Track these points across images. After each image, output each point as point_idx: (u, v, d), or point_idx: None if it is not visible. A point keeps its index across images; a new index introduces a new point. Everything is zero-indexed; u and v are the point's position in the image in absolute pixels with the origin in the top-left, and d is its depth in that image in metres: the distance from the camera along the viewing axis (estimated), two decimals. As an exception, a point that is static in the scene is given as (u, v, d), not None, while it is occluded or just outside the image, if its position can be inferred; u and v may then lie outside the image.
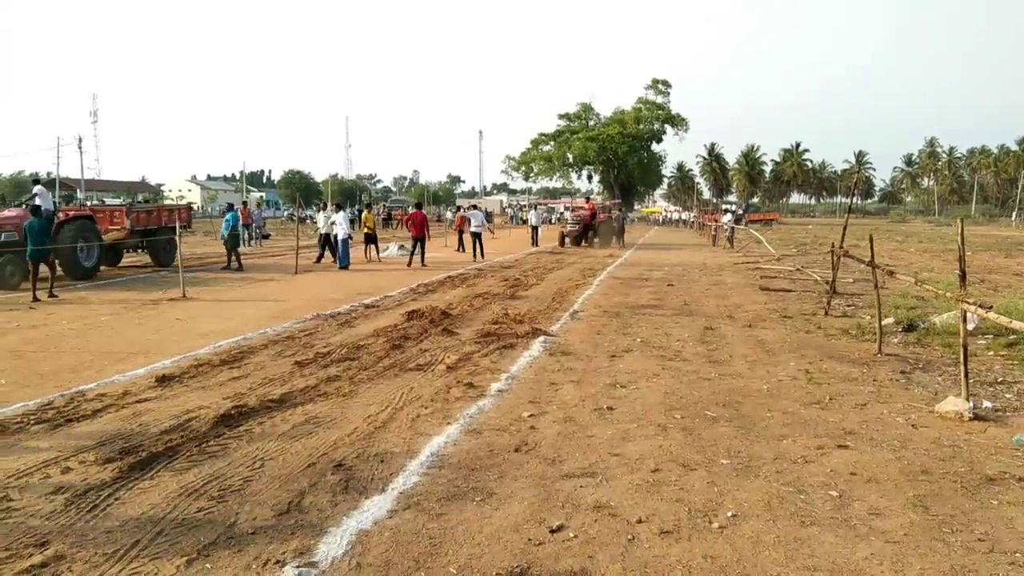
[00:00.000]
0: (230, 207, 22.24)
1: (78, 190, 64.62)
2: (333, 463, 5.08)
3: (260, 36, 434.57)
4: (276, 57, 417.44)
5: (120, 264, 20.85)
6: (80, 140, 68.15)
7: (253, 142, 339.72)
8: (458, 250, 26.72)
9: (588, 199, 45.05)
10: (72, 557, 3.75)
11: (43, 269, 14.42)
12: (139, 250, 20.89)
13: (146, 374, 7.59)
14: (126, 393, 6.83)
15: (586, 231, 32.12)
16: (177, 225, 17.25)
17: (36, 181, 19.03)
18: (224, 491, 4.58)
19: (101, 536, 3.97)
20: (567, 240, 31.86)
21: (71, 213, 18.34)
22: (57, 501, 4.40)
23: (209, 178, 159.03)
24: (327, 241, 22.27)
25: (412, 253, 21.36)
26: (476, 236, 24.72)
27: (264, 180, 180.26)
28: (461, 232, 27.90)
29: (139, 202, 28.56)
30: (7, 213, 17.74)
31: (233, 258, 20.15)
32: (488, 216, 62.39)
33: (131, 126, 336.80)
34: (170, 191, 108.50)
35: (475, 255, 23.95)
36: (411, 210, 24.86)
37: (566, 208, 75.11)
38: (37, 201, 16.69)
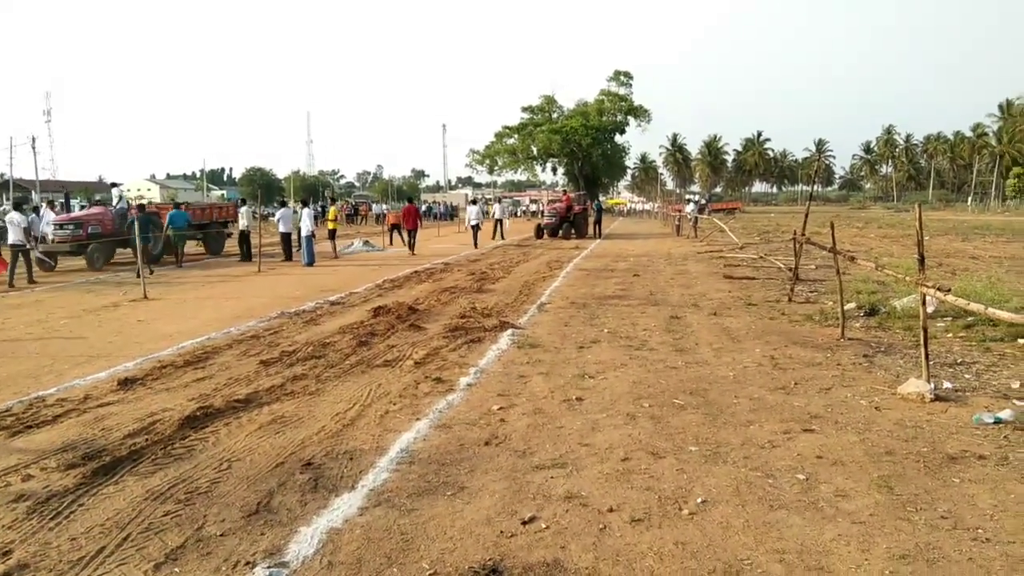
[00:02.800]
0: (176, 206, 22.21)
1: (32, 191, 63.11)
2: (302, 462, 5.03)
3: (219, 31, 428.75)
4: (236, 52, 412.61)
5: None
6: (34, 140, 66.49)
7: (213, 139, 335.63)
8: (390, 243, 28.21)
9: (565, 192, 45.49)
10: (36, 566, 3.67)
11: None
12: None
13: (108, 377, 7.44)
14: (87, 397, 6.69)
15: (562, 223, 32.40)
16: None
17: (114, 185, 24.40)
18: (191, 494, 4.52)
19: (65, 543, 3.89)
20: (544, 232, 32.26)
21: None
22: (19, 509, 4.30)
23: (168, 177, 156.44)
24: (246, 239, 22.17)
25: (411, 243, 24.49)
26: (475, 228, 27.78)
27: (225, 178, 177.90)
28: (394, 227, 29.48)
29: (97, 202, 28.98)
30: (94, 210, 22.17)
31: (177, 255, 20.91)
32: (454, 210, 62.42)
33: (87, 125, 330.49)
34: (128, 190, 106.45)
35: (475, 244, 26.78)
36: (404, 204, 28.11)
37: (532, 201, 75.34)
38: (115, 201, 21.71)
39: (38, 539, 3.95)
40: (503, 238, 31.19)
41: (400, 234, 28.62)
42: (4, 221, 17.81)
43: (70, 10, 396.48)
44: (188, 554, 3.77)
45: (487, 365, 7.84)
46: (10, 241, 16.89)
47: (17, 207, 18.49)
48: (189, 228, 22.10)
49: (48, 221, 20.78)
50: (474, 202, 32.13)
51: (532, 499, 4.40)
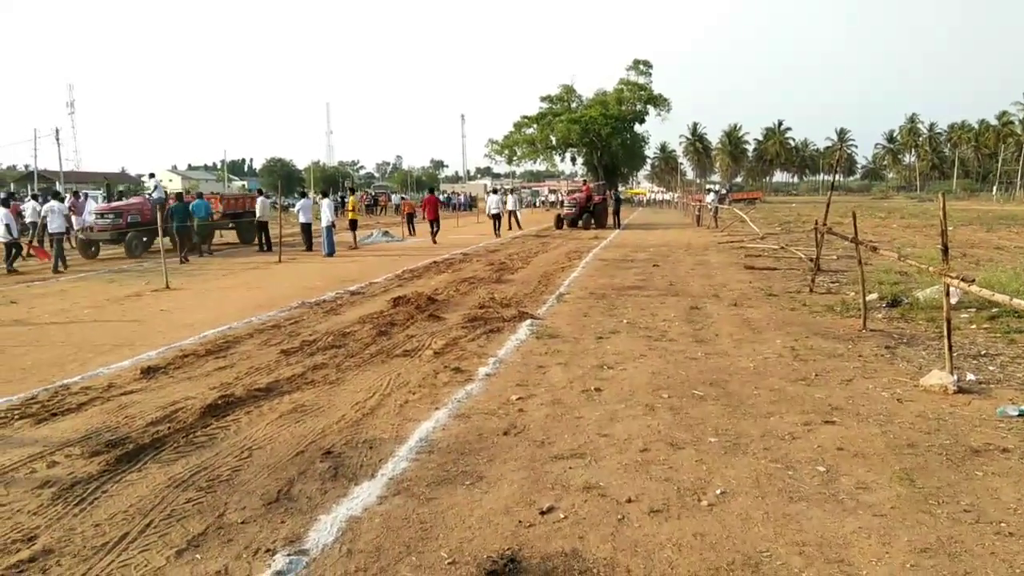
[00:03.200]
0: (199, 196, 22.87)
1: (57, 182, 63.80)
2: (322, 451, 5.07)
3: (240, 23, 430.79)
4: (256, 44, 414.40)
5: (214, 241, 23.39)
6: (57, 132, 67.05)
7: (234, 131, 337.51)
8: (410, 233, 28.57)
9: (585, 182, 45.50)
10: (61, 551, 3.73)
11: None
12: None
13: (131, 366, 7.53)
14: (111, 386, 6.77)
15: (582, 213, 32.51)
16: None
17: (151, 175, 27.24)
18: (212, 481, 4.56)
19: (89, 529, 3.95)
20: (564, 223, 32.41)
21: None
22: (44, 496, 4.37)
23: (190, 168, 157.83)
24: (264, 228, 22.57)
25: (433, 232, 25.00)
26: (495, 217, 28.62)
27: (246, 169, 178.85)
28: (410, 216, 29.97)
29: (121, 193, 29.63)
30: (133, 201, 23.59)
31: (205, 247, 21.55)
32: (473, 200, 62.42)
33: (110, 116, 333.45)
34: (162, 180, 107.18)
35: (496, 232, 27.71)
36: (426, 195, 28.74)
37: (551, 191, 75.21)
38: (152, 191, 23.65)
39: (63, 525, 4.01)
40: (520, 228, 31.21)
41: (412, 224, 28.86)
42: (47, 211, 18.67)
43: (93, 3, 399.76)
44: (209, 541, 3.82)
45: (506, 355, 7.85)
46: (51, 229, 17.85)
47: (56, 196, 19.72)
48: (224, 217, 23.44)
49: (91, 211, 21.85)
50: (495, 191, 32.53)
51: (551, 489, 4.41)
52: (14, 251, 17.24)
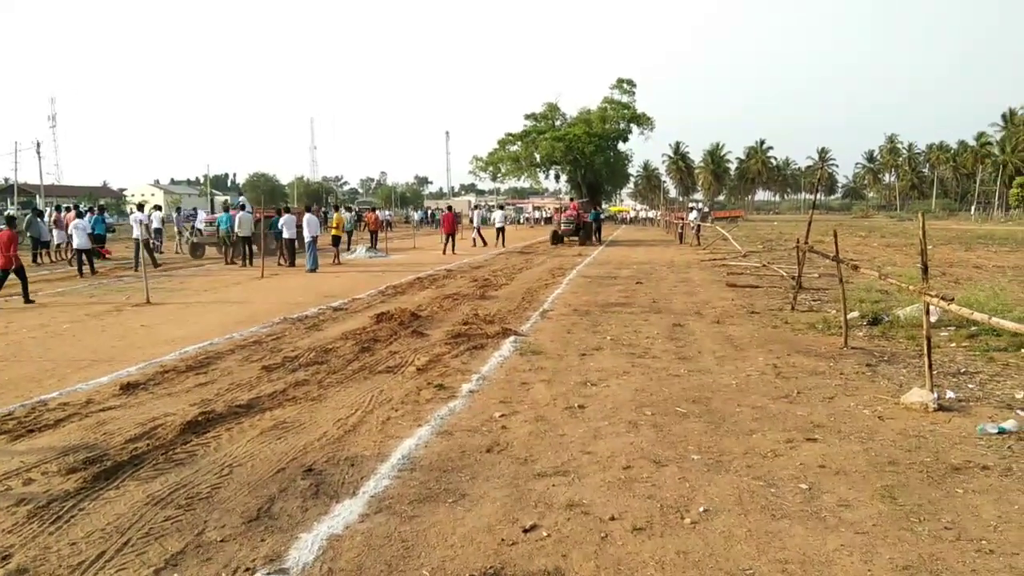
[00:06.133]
0: (282, 211, 24.53)
1: (37, 196, 63.29)
2: (303, 468, 5.02)
3: (223, 37, 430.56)
4: (240, 58, 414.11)
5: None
6: (38, 145, 66.49)
7: (217, 145, 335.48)
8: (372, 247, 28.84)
9: (572, 199, 46.21)
10: (36, 570, 3.66)
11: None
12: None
13: (110, 382, 7.44)
14: (89, 402, 6.69)
15: (578, 229, 34.25)
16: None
17: (240, 193, 33.05)
18: (192, 499, 4.51)
19: (65, 548, 3.89)
20: (564, 238, 33.85)
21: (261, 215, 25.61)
22: (19, 513, 4.30)
23: (172, 182, 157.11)
24: (247, 243, 22.58)
25: (445, 244, 27.47)
26: (500, 230, 32.46)
27: (229, 183, 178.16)
28: (374, 233, 30.95)
29: (100, 206, 29.72)
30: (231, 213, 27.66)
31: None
32: (457, 217, 62.48)
33: (91, 130, 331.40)
34: (132, 195, 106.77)
35: (500, 244, 30.75)
36: (444, 211, 31.83)
37: (535, 208, 75.64)
38: (243, 207, 25.21)
39: (38, 543, 3.94)
40: (484, 244, 31.68)
41: (374, 238, 29.86)
42: (133, 221, 21.63)
43: (76, 16, 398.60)
44: (188, 560, 3.77)
45: (489, 372, 7.83)
46: (135, 236, 20.75)
47: (140, 208, 22.97)
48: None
49: (201, 219, 27.28)
50: (501, 207, 35.43)
51: (534, 507, 4.39)
52: (86, 256, 19.30)
